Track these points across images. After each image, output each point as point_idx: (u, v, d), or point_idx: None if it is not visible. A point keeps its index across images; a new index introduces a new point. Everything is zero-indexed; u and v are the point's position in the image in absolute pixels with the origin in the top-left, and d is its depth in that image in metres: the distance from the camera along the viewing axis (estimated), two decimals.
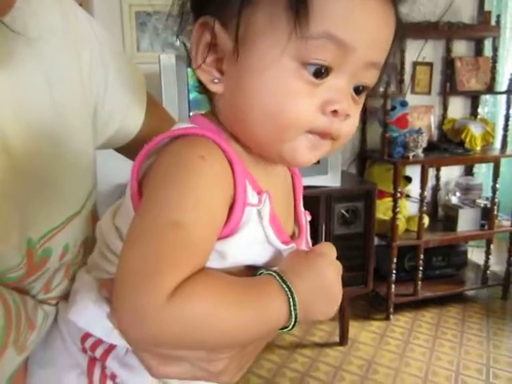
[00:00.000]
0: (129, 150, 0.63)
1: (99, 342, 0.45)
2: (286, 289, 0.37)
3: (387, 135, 2.23)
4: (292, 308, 0.37)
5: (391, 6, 0.40)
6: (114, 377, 0.45)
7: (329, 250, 0.43)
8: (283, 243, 0.44)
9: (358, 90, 0.41)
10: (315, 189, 1.83)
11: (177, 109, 1.58)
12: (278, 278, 0.38)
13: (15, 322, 0.43)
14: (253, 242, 0.42)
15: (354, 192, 1.98)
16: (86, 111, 0.51)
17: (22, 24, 0.42)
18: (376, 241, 2.13)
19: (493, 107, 2.75)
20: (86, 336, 0.45)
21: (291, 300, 0.37)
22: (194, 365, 0.41)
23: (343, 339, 2.12)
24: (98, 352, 0.45)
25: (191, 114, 1.69)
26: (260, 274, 0.40)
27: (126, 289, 0.33)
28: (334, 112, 0.39)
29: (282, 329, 0.40)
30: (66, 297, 0.51)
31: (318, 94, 0.39)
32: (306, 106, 0.39)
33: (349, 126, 0.42)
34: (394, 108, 2.27)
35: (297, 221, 0.51)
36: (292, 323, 0.38)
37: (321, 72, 0.38)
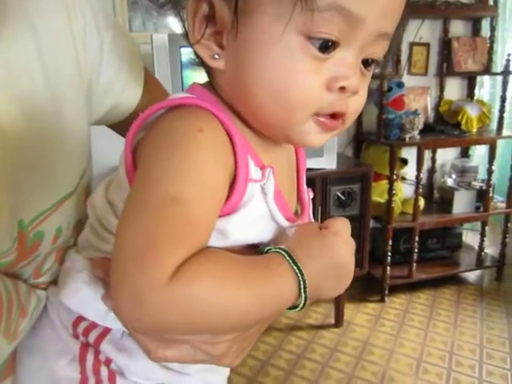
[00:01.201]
0: (124, 127, 0.60)
1: (93, 325, 0.43)
2: (297, 270, 0.35)
3: (383, 117, 2.21)
4: (302, 290, 0.36)
5: None
6: (108, 362, 0.44)
7: (343, 227, 0.40)
8: (287, 220, 0.42)
9: (367, 63, 0.39)
10: (311, 171, 1.81)
11: (170, 89, 1.54)
12: (287, 257, 0.36)
13: (6, 310, 0.41)
14: (256, 219, 0.40)
15: (350, 174, 1.97)
16: (80, 84, 0.49)
17: None
18: (372, 223, 2.12)
19: (491, 88, 2.73)
20: (78, 320, 0.44)
21: (301, 282, 0.35)
22: (194, 347, 0.40)
23: (338, 321, 2.13)
24: (92, 337, 0.43)
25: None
26: (267, 250, 0.38)
27: (123, 268, 0.31)
28: (342, 89, 0.37)
29: (289, 308, 0.38)
30: (55, 282, 0.49)
31: (325, 70, 0.36)
32: (312, 84, 0.36)
33: (357, 103, 0.40)
34: (390, 89, 2.24)
35: (299, 198, 0.49)
36: (301, 304, 0.37)
37: (327, 46, 0.35)
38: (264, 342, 2.00)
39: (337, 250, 0.38)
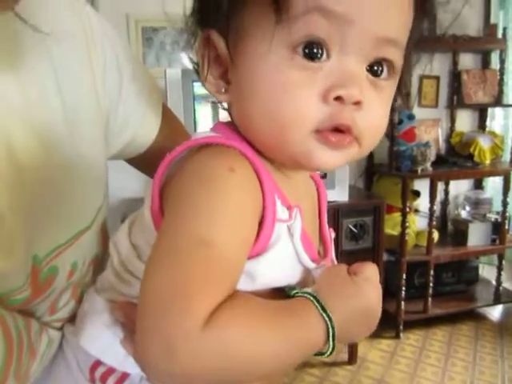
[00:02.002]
0: (141, 161, 0.60)
1: (110, 370, 0.42)
2: (326, 318, 0.34)
3: (395, 149, 2.21)
4: (330, 338, 0.34)
5: None
6: None
7: (373, 273, 0.39)
8: (312, 261, 0.41)
9: (376, 72, 0.36)
10: None
11: (182, 120, 1.56)
12: (316, 302, 0.35)
13: (16, 352, 0.40)
14: (282, 260, 0.39)
15: (362, 207, 1.95)
16: (99, 118, 0.49)
17: (31, 15, 0.39)
18: (385, 256, 2.09)
19: (503, 120, 2.72)
20: (96, 365, 0.42)
21: (330, 329, 0.34)
22: None
23: (352, 358, 2.07)
24: (110, 382, 0.42)
25: (197, 128, 1.68)
26: (294, 294, 0.37)
27: (152, 316, 0.30)
28: (339, 99, 0.34)
29: (316, 354, 0.37)
30: (71, 319, 0.48)
31: (319, 81, 0.34)
32: (303, 96, 0.34)
33: (370, 117, 0.36)
34: (401, 121, 2.25)
35: (322, 238, 0.48)
36: (329, 352, 0.36)
37: (314, 52, 0.34)
38: None
39: (367, 296, 0.38)
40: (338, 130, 0.36)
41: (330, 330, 0.34)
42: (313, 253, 0.42)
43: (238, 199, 0.34)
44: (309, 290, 0.37)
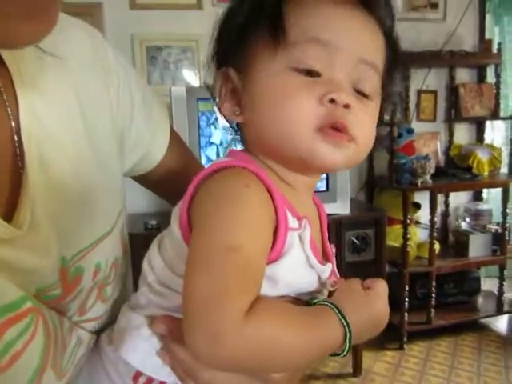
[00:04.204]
0: (149, 178, 0.65)
1: (150, 380, 0.46)
2: (345, 323, 0.40)
3: (395, 162, 2.25)
4: (347, 340, 0.40)
5: (369, 15, 0.45)
6: None
7: (384, 289, 0.46)
8: (320, 264, 0.47)
9: (359, 92, 0.44)
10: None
11: (187, 138, 1.60)
12: (336, 310, 0.41)
13: (53, 342, 0.44)
14: (296, 265, 0.44)
15: (364, 219, 1.98)
16: (115, 137, 0.53)
17: (53, 46, 0.44)
18: (387, 268, 2.11)
19: (501, 132, 2.77)
20: (138, 375, 0.46)
21: (348, 333, 0.40)
22: None
23: (357, 370, 2.07)
24: None
25: (201, 144, 1.71)
26: (316, 303, 0.43)
27: (199, 314, 0.35)
28: (332, 101, 0.42)
29: (331, 355, 0.43)
30: (106, 330, 0.52)
31: (315, 89, 0.42)
32: (304, 100, 0.42)
33: (360, 121, 0.44)
34: (400, 135, 2.29)
35: (324, 253, 0.52)
36: (345, 352, 0.42)
37: (312, 73, 0.42)
38: None
39: (378, 309, 0.44)
40: (336, 129, 0.42)
41: (348, 333, 0.40)
42: (320, 258, 0.47)
43: (255, 209, 0.40)
44: (330, 300, 0.43)
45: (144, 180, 0.66)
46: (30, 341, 0.40)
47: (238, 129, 0.51)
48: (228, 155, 0.49)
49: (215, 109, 0.51)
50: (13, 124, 0.41)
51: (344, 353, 0.42)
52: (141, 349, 0.45)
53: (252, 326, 0.35)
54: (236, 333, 0.34)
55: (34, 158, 0.42)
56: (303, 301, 0.45)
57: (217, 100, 0.49)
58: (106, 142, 0.51)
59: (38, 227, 0.41)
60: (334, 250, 0.53)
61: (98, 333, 0.52)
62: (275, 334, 0.36)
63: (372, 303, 0.44)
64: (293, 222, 0.44)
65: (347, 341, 0.40)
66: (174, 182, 0.66)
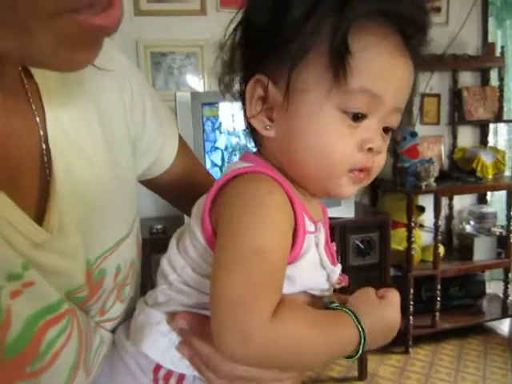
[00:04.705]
0: (157, 183, 0.67)
1: (170, 372, 0.48)
2: (361, 329, 0.43)
3: (398, 165, 2.25)
4: (362, 345, 0.43)
5: (411, 60, 0.46)
6: None
7: (396, 299, 0.48)
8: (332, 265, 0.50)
9: (385, 130, 0.48)
10: (329, 220, 1.83)
11: (192, 144, 1.61)
12: (353, 316, 0.44)
13: (85, 341, 0.46)
14: (312, 266, 0.47)
15: (368, 223, 1.99)
16: (129, 143, 0.56)
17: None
18: (391, 271, 2.11)
19: (505, 135, 2.77)
20: (158, 368, 0.48)
21: (363, 339, 0.43)
22: None
23: (362, 374, 2.07)
24: (172, 381, 0.49)
25: (206, 148, 1.73)
26: (334, 307, 0.46)
27: (229, 313, 0.38)
28: (370, 149, 0.46)
29: (345, 357, 0.46)
30: (120, 323, 0.54)
31: (356, 135, 0.45)
32: (347, 146, 0.45)
33: (381, 160, 0.49)
34: (404, 138, 2.29)
35: (328, 252, 0.54)
36: (357, 355, 0.45)
37: (358, 117, 0.45)
38: None
39: (391, 317, 0.47)
40: (361, 169, 0.47)
41: (363, 339, 0.43)
42: (332, 259, 0.51)
43: (278, 215, 0.43)
44: (347, 306, 0.46)
45: (152, 184, 0.67)
46: (67, 341, 0.43)
47: (255, 134, 0.51)
48: (244, 158, 0.51)
49: (239, 113, 0.52)
50: (41, 133, 0.43)
51: (356, 356, 0.45)
52: (160, 343, 0.48)
53: (278, 325, 0.38)
54: (264, 331, 0.37)
55: (60, 166, 0.44)
56: (317, 298, 0.48)
57: (247, 107, 0.48)
58: (122, 148, 0.53)
59: (66, 231, 0.43)
60: (335, 248, 0.56)
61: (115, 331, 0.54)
62: (299, 334, 0.40)
63: (385, 312, 0.46)
64: (310, 226, 0.47)
65: (361, 345, 0.43)
66: (181, 187, 0.68)
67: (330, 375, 2.11)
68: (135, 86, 0.57)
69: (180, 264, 0.49)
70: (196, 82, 2.15)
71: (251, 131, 0.51)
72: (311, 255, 0.46)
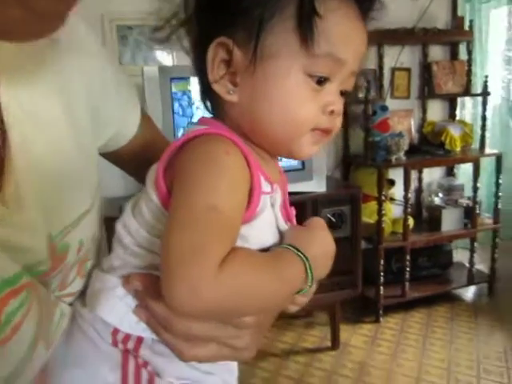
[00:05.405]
0: (120, 156, 0.66)
1: (128, 335, 0.48)
2: (302, 256, 0.45)
3: (369, 139, 2.28)
4: (309, 270, 0.45)
5: (364, 24, 0.48)
6: (145, 365, 0.49)
7: (320, 223, 0.52)
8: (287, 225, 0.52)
9: (341, 94, 0.49)
10: (301, 195, 1.85)
11: (161, 119, 1.59)
12: (292, 249, 0.46)
13: (45, 314, 0.46)
14: (266, 226, 0.49)
15: (340, 196, 2.01)
16: (90, 113, 0.54)
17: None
18: (363, 244, 2.15)
19: (472, 109, 2.83)
20: (116, 330, 0.48)
21: (307, 265, 0.45)
22: (220, 344, 0.47)
23: (335, 344, 2.13)
24: (130, 344, 0.48)
25: (175, 124, 1.70)
26: (273, 249, 0.47)
27: (178, 267, 0.38)
28: (332, 112, 0.48)
29: (298, 292, 0.48)
30: (80, 296, 0.53)
31: (320, 99, 0.47)
32: (312, 109, 0.47)
33: (339, 122, 0.50)
34: (374, 113, 2.32)
35: (286, 215, 0.55)
36: (310, 284, 0.47)
37: (321, 81, 0.46)
38: (261, 368, 1.99)
39: (324, 238, 0.50)
40: (323, 131, 0.49)
41: (307, 264, 0.45)
42: (286, 219, 0.52)
43: (233, 175, 0.44)
44: (285, 243, 0.48)
45: (114, 157, 0.66)
46: (27, 313, 0.43)
47: (215, 100, 0.50)
48: (201, 123, 0.50)
49: (194, 79, 0.51)
50: None
51: (309, 284, 0.46)
52: (117, 308, 0.48)
53: (226, 274, 0.38)
54: (211, 282, 0.37)
55: (15, 137, 0.42)
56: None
57: (209, 71, 0.47)
58: (82, 118, 0.52)
59: (23, 205, 0.42)
60: (294, 213, 0.57)
61: None
62: (247, 279, 0.40)
63: (316, 235, 0.49)
64: (266, 187, 0.48)
65: (309, 274, 0.45)
66: (143, 158, 0.66)
67: (303, 346, 2.17)
68: (95, 59, 0.55)
69: (134, 226, 0.49)
70: (164, 57, 2.10)
71: (210, 97, 0.51)
72: (266, 215, 0.47)
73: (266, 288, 0.42)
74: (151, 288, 0.46)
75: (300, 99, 0.46)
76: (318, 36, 0.44)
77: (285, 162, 1.81)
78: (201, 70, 0.49)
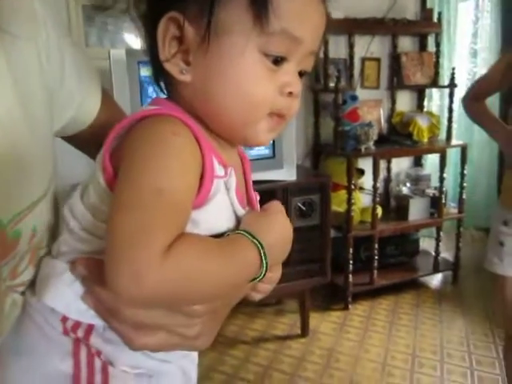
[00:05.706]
0: (81, 139, 0.63)
1: (78, 323, 0.46)
2: (257, 242, 0.43)
3: (339, 129, 2.29)
4: (263, 257, 0.43)
5: (324, 5, 0.47)
6: (98, 354, 0.47)
7: (278, 207, 0.50)
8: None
9: (300, 74, 0.48)
10: (271, 183, 1.84)
11: (129, 104, 1.54)
12: (247, 235, 0.44)
13: None
14: (220, 211, 0.47)
15: (310, 185, 2.01)
16: (45, 94, 0.51)
17: None
18: (332, 233, 2.17)
19: (439, 100, 2.89)
20: (65, 319, 0.46)
21: (262, 251, 0.43)
22: (170, 332, 0.45)
23: (304, 331, 2.16)
24: (80, 332, 0.46)
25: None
26: (227, 235, 0.45)
27: (122, 251, 0.36)
28: (290, 93, 0.46)
29: (253, 279, 0.45)
30: (30, 285, 0.50)
31: (277, 79, 0.45)
32: (268, 89, 0.45)
33: (297, 105, 0.48)
34: (344, 102, 2.33)
35: (249, 200, 0.55)
36: (263, 271, 0.44)
37: (278, 60, 0.45)
38: (231, 356, 1.99)
39: (281, 223, 0.48)
40: (279, 114, 0.47)
41: (261, 250, 0.43)
42: (244, 205, 0.50)
43: (181, 156, 0.41)
44: (240, 229, 0.46)
45: (74, 140, 0.64)
46: None
47: (167, 80, 0.48)
48: (153, 103, 0.48)
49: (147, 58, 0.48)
50: None
51: (263, 271, 0.44)
52: (65, 294, 0.46)
53: (172, 260, 0.36)
54: (156, 268, 0.35)
55: None
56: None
57: (160, 49, 0.44)
58: (36, 99, 0.49)
59: None
60: (258, 198, 0.56)
61: None
62: (194, 265, 0.38)
63: (274, 220, 0.47)
64: (219, 170, 0.45)
65: (264, 261, 0.43)
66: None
67: (273, 333, 2.18)
68: (52, 39, 0.51)
69: (80, 210, 0.47)
70: (133, 39, 2.04)
71: (164, 77, 0.49)
72: (220, 200, 0.45)
73: (214, 274, 0.40)
74: (96, 272, 0.43)
75: (256, 79, 0.44)
76: (273, 12, 0.42)
77: (255, 151, 1.80)
78: (152, 49, 0.46)
